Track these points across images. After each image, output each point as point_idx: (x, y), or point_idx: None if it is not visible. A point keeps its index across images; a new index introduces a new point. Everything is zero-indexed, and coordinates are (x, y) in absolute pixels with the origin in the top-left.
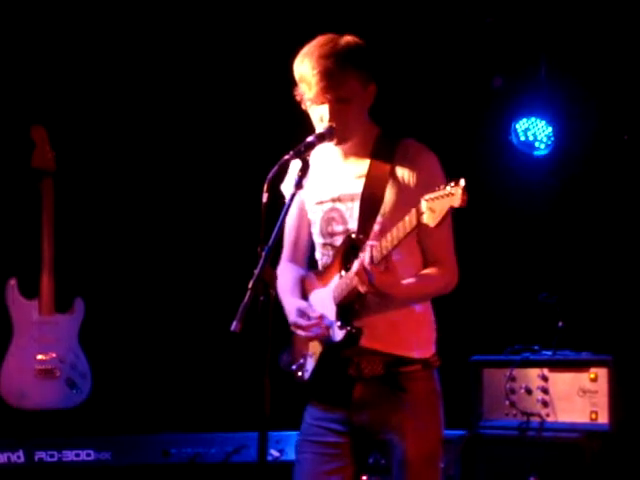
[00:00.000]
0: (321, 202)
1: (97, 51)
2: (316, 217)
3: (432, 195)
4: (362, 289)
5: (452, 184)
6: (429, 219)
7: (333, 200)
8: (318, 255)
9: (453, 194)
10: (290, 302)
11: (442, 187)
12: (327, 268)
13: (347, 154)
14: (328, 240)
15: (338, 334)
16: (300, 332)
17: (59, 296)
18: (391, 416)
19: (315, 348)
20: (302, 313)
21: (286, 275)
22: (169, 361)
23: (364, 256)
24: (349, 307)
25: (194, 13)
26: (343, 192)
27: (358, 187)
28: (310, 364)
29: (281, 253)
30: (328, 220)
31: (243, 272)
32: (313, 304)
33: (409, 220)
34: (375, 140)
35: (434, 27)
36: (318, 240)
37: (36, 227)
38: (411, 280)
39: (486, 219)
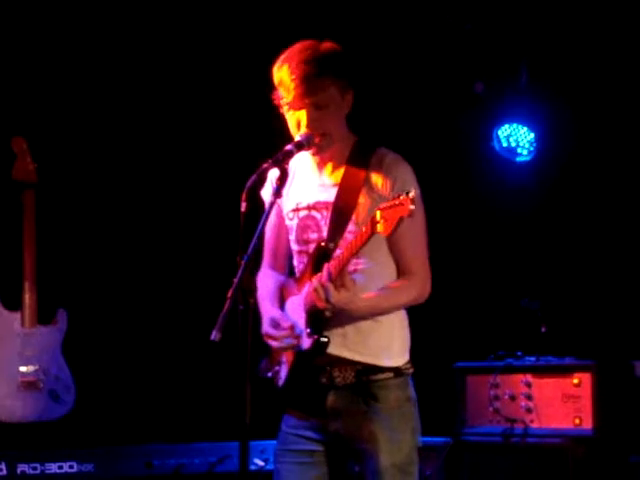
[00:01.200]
0: (297, 209)
1: (78, 62)
2: (292, 224)
3: (386, 204)
4: (320, 305)
5: (403, 194)
6: (382, 228)
7: (309, 208)
8: (295, 262)
9: (403, 204)
10: (265, 311)
11: (395, 197)
12: (301, 275)
13: (323, 161)
14: (303, 247)
15: (306, 342)
16: (271, 342)
17: (42, 308)
18: (364, 425)
19: (288, 356)
20: (274, 323)
21: (265, 282)
22: (151, 372)
23: (321, 274)
24: (319, 315)
25: (174, 25)
26: (318, 199)
27: (332, 195)
28: (283, 372)
29: (261, 261)
30: (304, 228)
31: (222, 281)
32: (288, 311)
33: (365, 229)
34: (351, 148)
35: (415, 33)
36: (294, 247)
37: (18, 239)
38: (374, 294)
39: (469, 225)
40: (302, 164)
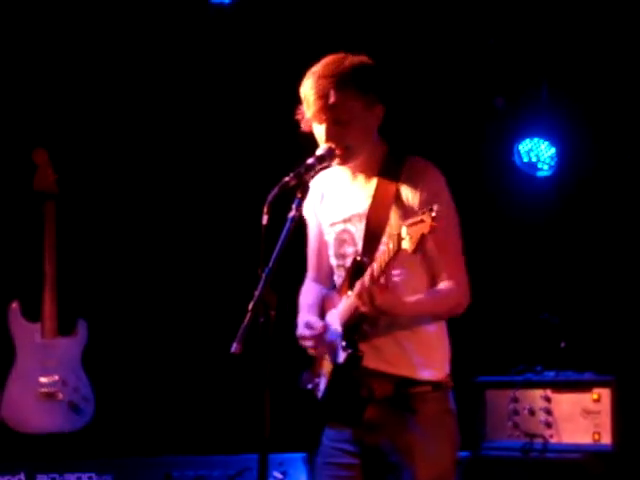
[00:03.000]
0: (334, 224)
1: (98, 74)
2: (330, 238)
3: (410, 221)
4: (364, 309)
5: (427, 211)
6: (407, 244)
7: (344, 221)
8: (335, 277)
9: (424, 221)
10: (301, 317)
11: (419, 213)
12: (339, 289)
13: (355, 174)
14: (341, 262)
15: (341, 356)
16: (305, 343)
17: (62, 319)
18: (401, 438)
19: (327, 368)
20: (308, 325)
21: (306, 294)
22: (172, 383)
23: (365, 277)
24: (356, 328)
25: (195, 30)
26: (352, 213)
27: (365, 208)
28: (323, 384)
29: (304, 275)
30: (340, 242)
31: (244, 294)
32: (329, 323)
33: (393, 246)
34: (383, 159)
35: (438, 48)
36: (333, 262)
37: (38, 250)
38: (418, 297)
39: (490, 239)
40: (335, 178)
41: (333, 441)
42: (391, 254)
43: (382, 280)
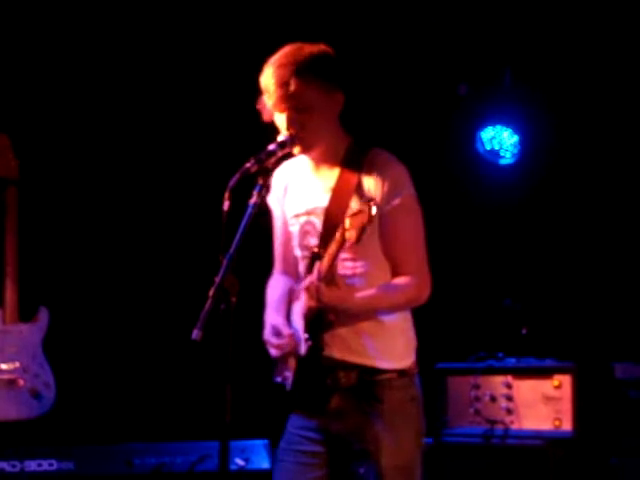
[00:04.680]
0: (297, 215)
1: (60, 58)
2: (295, 230)
3: (352, 212)
4: (311, 304)
5: (365, 202)
6: (349, 234)
7: (307, 213)
8: (300, 267)
9: (363, 212)
10: (268, 318)
11: (360, 205)
12: (302, 281)
13: (318, 165)
14: (305, 253)
15: (302, 347)
16: (271, 350)
17: (23, 305)
18: (366, 426)
19: (294, 360)
20: (276, 331)
21: (273, 288)
22: (132, 370)
23: (314, 271)
24: (319, 319)
25: (158, 21)
26: (315, 205)
27: (326, 200)
28: (290, 375)
29: (267, 261)
30: (304, 233)
31: (205, 281)
32: (292, 316)
33: (337, 237)
34: (345, 150)
35: (400, 34)
36: (297, 253)
37: (0, 236)
38: (371, 292)
39: (452, 226)
40: (299, 169)
41: (298, 428)
42: (338, 245)
43: (334, 272)
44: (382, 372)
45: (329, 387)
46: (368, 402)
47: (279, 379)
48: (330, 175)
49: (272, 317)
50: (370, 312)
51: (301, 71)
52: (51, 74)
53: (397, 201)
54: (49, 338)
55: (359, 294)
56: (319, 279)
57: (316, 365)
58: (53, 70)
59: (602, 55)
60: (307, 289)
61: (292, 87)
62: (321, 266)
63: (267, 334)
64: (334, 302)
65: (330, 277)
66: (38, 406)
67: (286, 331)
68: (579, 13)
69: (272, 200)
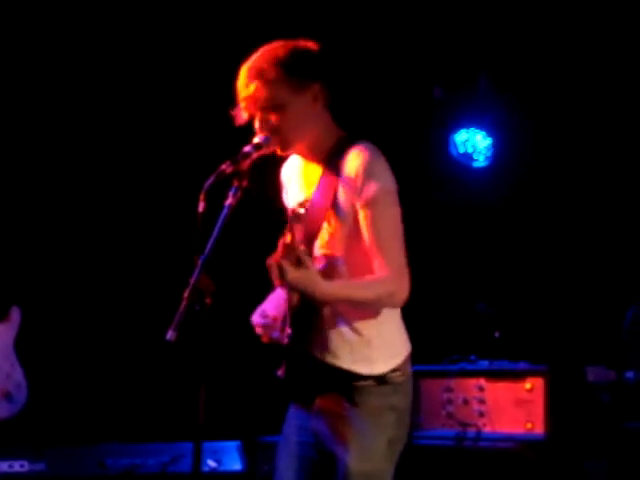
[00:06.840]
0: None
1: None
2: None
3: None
4: (276, 284)
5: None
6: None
7: (299, 206)
8: None
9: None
10: (263, 304)
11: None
12: None
13: (307, 160)
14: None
15: (284, 337)
16: (257, 330)
17: None
18: (339, 429)
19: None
20: (263, 314)
21: None
22: (105, 371)
23: (276, 253)
24: (304, 316)
25: (134, 26)
26: (302, 199)
27: (309, 195)
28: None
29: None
30: None
31: (180, 282)
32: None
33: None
34: (332, 145)
35: (375, 36)
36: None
37: None
38: (341, 281)
39: (426, 229)
40: (294, 167)
41: (294, 418)
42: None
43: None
44: (360, 378)
45: (313, 385)
46: (345, 405)
47: (278, 373)
48: (316, 170)
49: (267, 301)
50: (336, 302)
51: (265, 72)
52: (35, 74)
53: (370, 194)
54: (21, 338)
55: (329, 282)
56: (283, 256)
57: (300, 357)
58: (38, 70)
59: (575, 59)
60: (269, 266)
61: (258, 89)
62: (284, 242)
63: (255, 316)
64: (299, 283)
65: (301, 252)
66: (9, 407)
67: (271, 313)
68: (553, 17)
69: (284, 196)
